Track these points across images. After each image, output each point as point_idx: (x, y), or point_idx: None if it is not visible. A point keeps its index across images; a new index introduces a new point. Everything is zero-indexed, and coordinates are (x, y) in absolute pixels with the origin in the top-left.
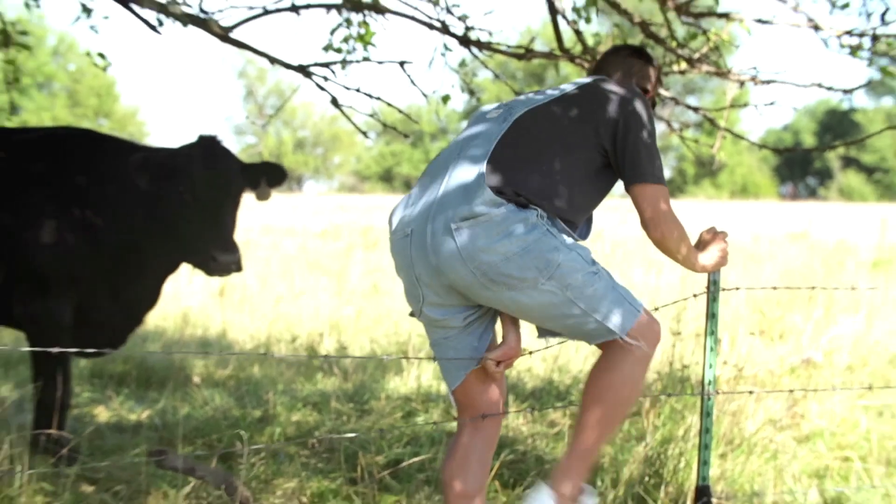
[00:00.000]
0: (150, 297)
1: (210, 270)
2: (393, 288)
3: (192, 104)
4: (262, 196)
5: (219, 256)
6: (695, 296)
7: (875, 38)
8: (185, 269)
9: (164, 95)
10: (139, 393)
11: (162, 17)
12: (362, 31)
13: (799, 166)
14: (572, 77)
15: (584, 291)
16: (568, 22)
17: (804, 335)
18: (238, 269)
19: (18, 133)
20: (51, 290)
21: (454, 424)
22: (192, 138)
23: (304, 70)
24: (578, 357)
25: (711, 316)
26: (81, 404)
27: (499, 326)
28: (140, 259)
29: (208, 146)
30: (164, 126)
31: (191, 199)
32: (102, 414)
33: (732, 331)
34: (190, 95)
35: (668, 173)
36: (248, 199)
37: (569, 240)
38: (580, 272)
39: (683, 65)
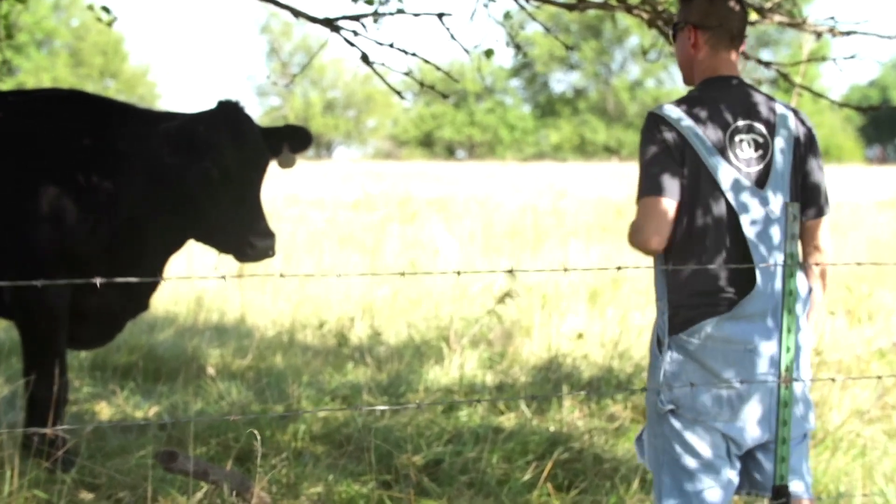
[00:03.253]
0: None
1: (244, 257)
2: (433, 265)
3: (209, 63)
4: (286, 163)
5: (257, 242)
6: (769, 266)
7: None
8: (199, 245)
9: (179, 54)
10: (146, 387)
11: None
12: None
13: (888, 126)
14: (633, 29)
15: None
16: None
17: (895, 315)
18: (273, 254)
19: (13, 96)
20: (45, 273)
21: (501, 419)
22: (210, 102)
23: (331, 24)
24: (641, 343)
25: (788, 293)
26: (81, 400)
27: None
28: (143, 236)
29: (231, 114)
30: (178, 88)
31: (219, 177)
32: (104, 411)
33: None
34: (207, 53)
35: None
36: (271, 167)
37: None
38: None
39: (753, 15)
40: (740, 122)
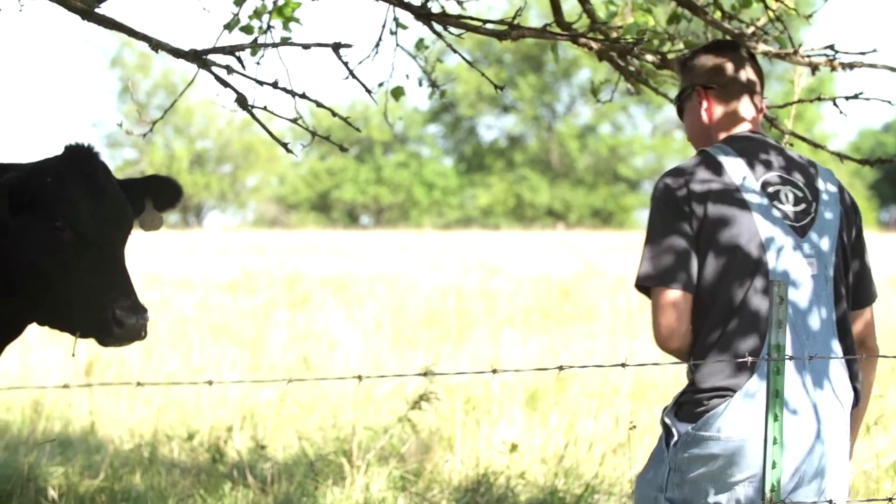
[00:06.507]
0: None
1: (111, 339)
2: (330, 361)
3: (44, 104)
4: (151, 225)
5: (126, 319)
6: (749, 362)
7: None
8: (35, 335)
9: (1, 93)
10: None
11: None
12: (281, 1)
13: None
14: (583, 60)
15: None
16: None
17: None
18: (146, 335)
19: None
20: None
21: None
22: (52, 150)
23: (199, 57)
24: (592, 457)
25: (774, 394)
26: None
27: None
28: None
29: (84, 161)
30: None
31: (73, 238)
32: None
33: None
34: (41, 92)
35: None
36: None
37: None
38: None
39: None
40: (780, 175)
